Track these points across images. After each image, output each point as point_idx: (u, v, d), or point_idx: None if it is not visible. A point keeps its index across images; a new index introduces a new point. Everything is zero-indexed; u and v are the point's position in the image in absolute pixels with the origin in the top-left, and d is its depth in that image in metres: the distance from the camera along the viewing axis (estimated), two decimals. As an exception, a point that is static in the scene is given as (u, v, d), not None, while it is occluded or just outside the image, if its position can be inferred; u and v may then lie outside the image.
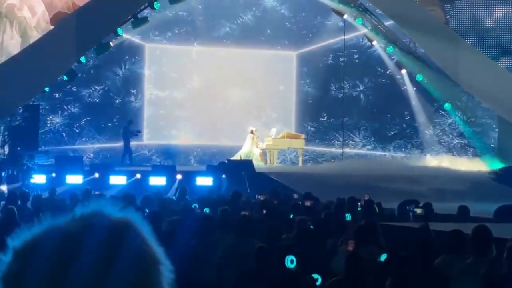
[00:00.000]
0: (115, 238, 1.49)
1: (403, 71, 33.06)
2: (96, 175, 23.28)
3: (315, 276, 7.94)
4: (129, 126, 29.82)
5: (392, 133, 34.22)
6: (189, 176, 23.52)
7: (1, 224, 12.60)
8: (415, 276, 7.63)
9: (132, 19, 29.87)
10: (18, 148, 25.05)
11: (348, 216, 13.17)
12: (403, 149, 34.09)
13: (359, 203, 15.77)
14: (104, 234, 1.48)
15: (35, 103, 29.18)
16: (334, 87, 34.37)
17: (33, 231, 1.51)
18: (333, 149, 33.94)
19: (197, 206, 14.75)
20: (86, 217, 1.52)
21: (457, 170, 29.47)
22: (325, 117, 34.33)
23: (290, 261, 8.56)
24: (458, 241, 8.50)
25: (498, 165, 29.89)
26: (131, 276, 1.47)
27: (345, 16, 32.24)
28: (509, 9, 33.73)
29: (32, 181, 22.60)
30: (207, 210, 13.97)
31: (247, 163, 25.88)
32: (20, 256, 1.48)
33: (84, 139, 32.03)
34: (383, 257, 8.74)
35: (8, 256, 1.49)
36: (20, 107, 28.00)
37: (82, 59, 29.45)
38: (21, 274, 1.46)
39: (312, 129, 34.16)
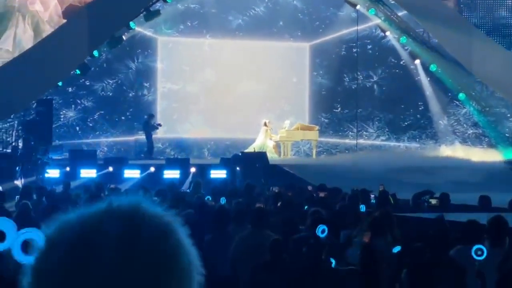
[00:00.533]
0: (151, 236, 1.44)
1: (417, 62, 32.94)
2: (110, 168, 23.32)
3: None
4: (150, 120, 29.80)
5: (406, 123, 34.13)
6: (203, 169, 23.53)
7: (16, 219, 12.63)
8: (431, 267, 7.58)
9: (144, 12, 29.88)
10: (32, 143, 25.10)
11: (363, 208, 13.14)
12: (417, 139, 34.01)
13: (372, 195, 15.74)
14: (138, 230, 1.44)
15: (48, 98, 29.24)
16: (347, 78, 34.29)
17: (67, 218, 1.47)
18: (347, 140, 33.87)
19: (210, 199, 14.75)
20: (123, 210, 1.47)
21: (472, 160, 29.36)
22: (339, 108, 34.25)
23: (321, 231, 8.58)
24: (474, 231, 8.46)
25: (513, 154, 29.81)
26: (162, 277, 1.43)
27: (358, 7, 32.14)
28: (523, -2, 33.52)
29: (46, 175, 22.63)
30: (223, 200, 13.97)
31: (261, 156, 25.87)
32: (53, 243, 1.44)
33: (97, 132, 32.09)
34: (396, 249, 8.71)
35: (41, 246, 1.46)
36: (33, 101, 28.08)
37: (95, 53, 29.47)
38: (53, 261, 1.42)
39: (326, 120, 34.09)
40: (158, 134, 32.58)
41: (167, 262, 1.44)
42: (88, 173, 22.83)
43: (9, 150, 26.24)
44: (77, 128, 31.86)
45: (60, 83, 29.61)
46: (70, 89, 31.47)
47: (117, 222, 1.44)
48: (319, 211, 10.78)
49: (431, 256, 7.74)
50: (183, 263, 1.47)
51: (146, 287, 1.40)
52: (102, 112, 32.14)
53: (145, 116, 30.30)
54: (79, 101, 31.87)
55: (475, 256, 7.52)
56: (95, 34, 28.17)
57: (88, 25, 27.75)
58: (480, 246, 7.55)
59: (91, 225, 1.44)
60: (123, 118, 32.50)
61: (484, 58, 29.81)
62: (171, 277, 1.44)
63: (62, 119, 31.41)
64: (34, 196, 15.17)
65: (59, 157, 26.08)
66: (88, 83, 31.75)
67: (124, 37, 30.32)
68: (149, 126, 29.69)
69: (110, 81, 32.27)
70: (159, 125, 29.82)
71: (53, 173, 22.95)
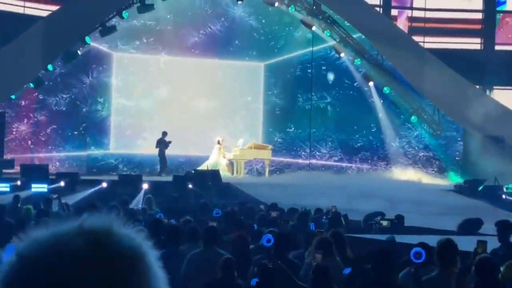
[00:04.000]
0: (121, 267, 1.45)
1: (371, 83, 33.30)
2: (62, 183, 23.12)
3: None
4: (164, 137, 29.74)
5: (359, 144, 34.35)
6: (155, 186, 23.45)
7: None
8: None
9: (100, 28, 29.84)
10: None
11: (312, 226, 13.23)
12: (369, 160, 34.23)
13: (324, 217, 15.82)
14: (113, 259, 1.45)
15: (0, 111, 28.97)
16: (301, 98, 34.44)
17: (37, 238, 1.46)
18: (300, 160, 33.99)
19: (162, 216, 14.71)
20: (94, 233, 1.47)
21: (422, 183, 29.69)
22: (292, 128, 34.38)
23: (267, 240, 8.64)
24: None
25: (462, 178, 30.18)
26: None
27: (314, 28, 32.46)
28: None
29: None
30: (173, 221, 13.92)
31: (214, 173, 25.88)
32: (21, 262, 1.44)
33: (50, 147, 31.78)
34: (347, 270, 8.78)
35: (11, 260, 1.45)
36: (-15, 114, 27.81)
37: (49, 66, 29.33)
38: (20, 280, 1.43)
39: (279, 139, 34.20)
40: (111, 149, 32.47)
41: (136, 283, 1.45)
42: (39, 187, 22.58)
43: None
44: (29, 142, 31.54)
45: (13, 96, 29.39)
46: (23, 103, 31.17)
47: (89, 244, 1.44)
48: (273, 231, 10.83)
49: (378, 278, 7.82)
50: (150, 286, 1.47)
51: None
52: (55, 126, 31.84)
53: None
54: (32, 115, 31.54)
55: (414, 259, 7.64)
56: (50, 48, 28.07)
57: (43, 39, 27.65)
58: (419, 249, 7.69)
59: (65, 244, 1.44)
60: (76, 133, 32.24)
61: (435, 82, 30.27)
62: None
63: (14, 133, 31.07)
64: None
65: (10, 171, 25.82)
66: (41, 97, 31.47)
67: (79, 52, 30.24)
68: (162, 143, 29.65)
69: (64, 96, 32.00)
70: (170, 142, 29.73)
71: (3, 187, 22.65)
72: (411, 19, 36.18)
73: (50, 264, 1.42)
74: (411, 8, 36.18)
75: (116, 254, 1.45)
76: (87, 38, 29.66)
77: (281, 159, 33.77)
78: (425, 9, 35.91)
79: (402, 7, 36.28)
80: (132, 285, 1.44)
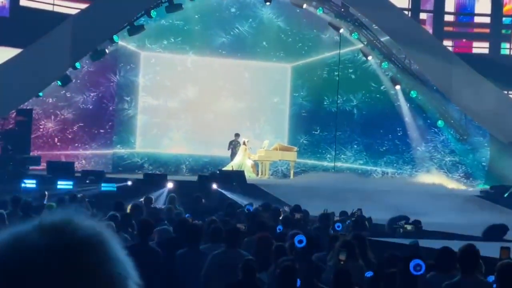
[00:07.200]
0: (77, 248, 1.46)
1: (397, 87, 33.15)
2: (87, 181, 23.24)
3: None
4: (236, 139, 29.93)
5: (384, 148, 34.20)
6: (180, 185, 23.51)
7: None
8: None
9: (128, 26, 29.96)
10: (10, 152, 25.03)
11: (331, 230, 13.22)
12: (394, 164, 34.08)
13: (348, 220, 15.78)
14: (70, 247, 1.45)
15: (28, 108, 29.15)
16: (328, 101, 34.35)
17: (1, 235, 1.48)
18: (325, 163, 33.91)
19: (188, 216, 14.75)
20: (54, 224, 1.48)
21: (448, 188, 29.52)
22: (318, 131, 34.30)
23: (299, 241, 8.66)
24: (447, 259, 8.52)
25: (489, 183, 29.98)
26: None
27: (341, 30, 32.37)
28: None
29: (22, 185, 22.50)
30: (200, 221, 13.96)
31: (238, 174, 25.91)
32: None
33: (76, 144, 31.93)
34: (369, 274, 8.76)
35: None
36: (13, 111, 28.00)
37: (77, 64, 29.49)
38: None
39: (305, 142, 34.13)
40: (136, 148, 32.58)
41: (91, 272, 1.45)
42: (65, 184, 22.71)
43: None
44: (56, 139, 31.70)
45: (40, 94, 29.57)
46: (50, 100, 31.33)
47: (45, 236, 1.45)
48: (297, 233, 10.81)
49: (402, 282, 7.79)
50: (110, 273, 1.47)
51: None
52: (82, 124, 31.99)
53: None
54: (59, 113, 31.70)
55: (413, 272, 7.56)
56: (78, 46, 28.21)
57: (72, 37, 27.80)
58: (418, 261, 7.60)
59: (22, 240, 1.46)
60: (102, 131, 32.38)
61: (463, 86, 30.10)
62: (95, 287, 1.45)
63: (41, 130, 31.25)
64: (10, 207, 15.08)
65: (37, 168, 25.98)
66: (68, 95, 31.62)
67: (107, 50, 30.37)
68: (233, 144, 29.84)
69: (91, 94, 32.13)
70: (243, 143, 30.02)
71: (29, 183, 22.80)
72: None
73: (6, 262, 1.43)
74: (440, 12, 36.02)
75: (72, 242, 1.46)
76: (115, 37, 29.80)
77: (306, 161, 33.72)
78: (454, 13, 35.77)
79: (431, 11, 36.15)
80: (91, 270, 1.45)
